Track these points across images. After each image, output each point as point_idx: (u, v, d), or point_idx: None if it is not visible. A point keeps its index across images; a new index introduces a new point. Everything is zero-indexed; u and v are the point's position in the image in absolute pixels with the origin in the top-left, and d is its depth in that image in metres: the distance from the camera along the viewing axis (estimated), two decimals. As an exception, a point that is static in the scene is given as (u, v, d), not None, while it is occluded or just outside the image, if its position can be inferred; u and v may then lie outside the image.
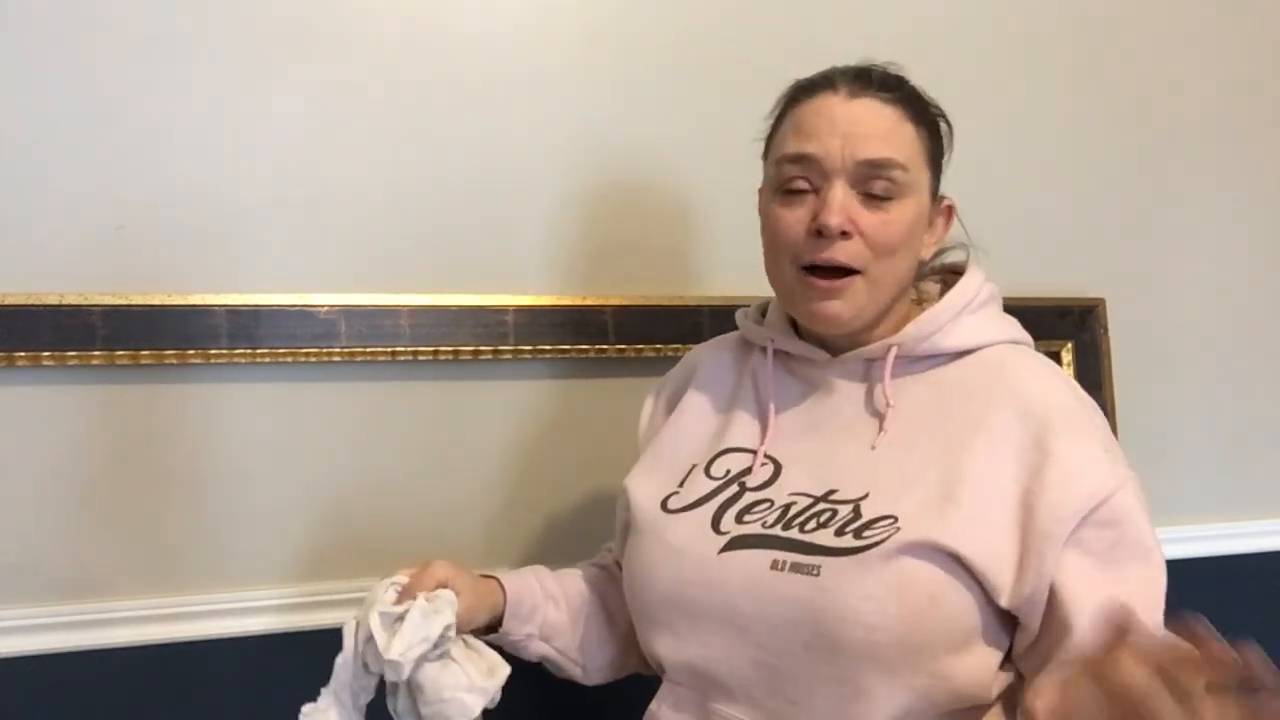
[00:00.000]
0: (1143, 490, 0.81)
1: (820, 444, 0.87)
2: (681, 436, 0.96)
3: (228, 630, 1.20)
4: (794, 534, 0.82)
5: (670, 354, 1.33)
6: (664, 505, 0.91)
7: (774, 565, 0.81)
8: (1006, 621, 0.80)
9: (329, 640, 1.23)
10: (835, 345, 0.90)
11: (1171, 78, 1.62)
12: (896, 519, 0.78)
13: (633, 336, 1.32)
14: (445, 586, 0.87)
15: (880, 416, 0.85)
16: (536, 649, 0.97)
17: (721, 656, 0.83)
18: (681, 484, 0.91)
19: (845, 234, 0.82)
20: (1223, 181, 1.65)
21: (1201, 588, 1.64)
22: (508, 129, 1.30)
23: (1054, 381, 0.85)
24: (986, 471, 0.79)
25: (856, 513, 0.80)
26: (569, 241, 1.32)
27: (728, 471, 0.90)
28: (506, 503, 1.32)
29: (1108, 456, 0.80)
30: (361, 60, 1.24)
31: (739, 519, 0.85)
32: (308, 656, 1.24)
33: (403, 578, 0.88)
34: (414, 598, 0.83)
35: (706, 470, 0.91)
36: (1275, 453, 1.69)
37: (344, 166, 1.24)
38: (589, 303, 1.31)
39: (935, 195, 0.90)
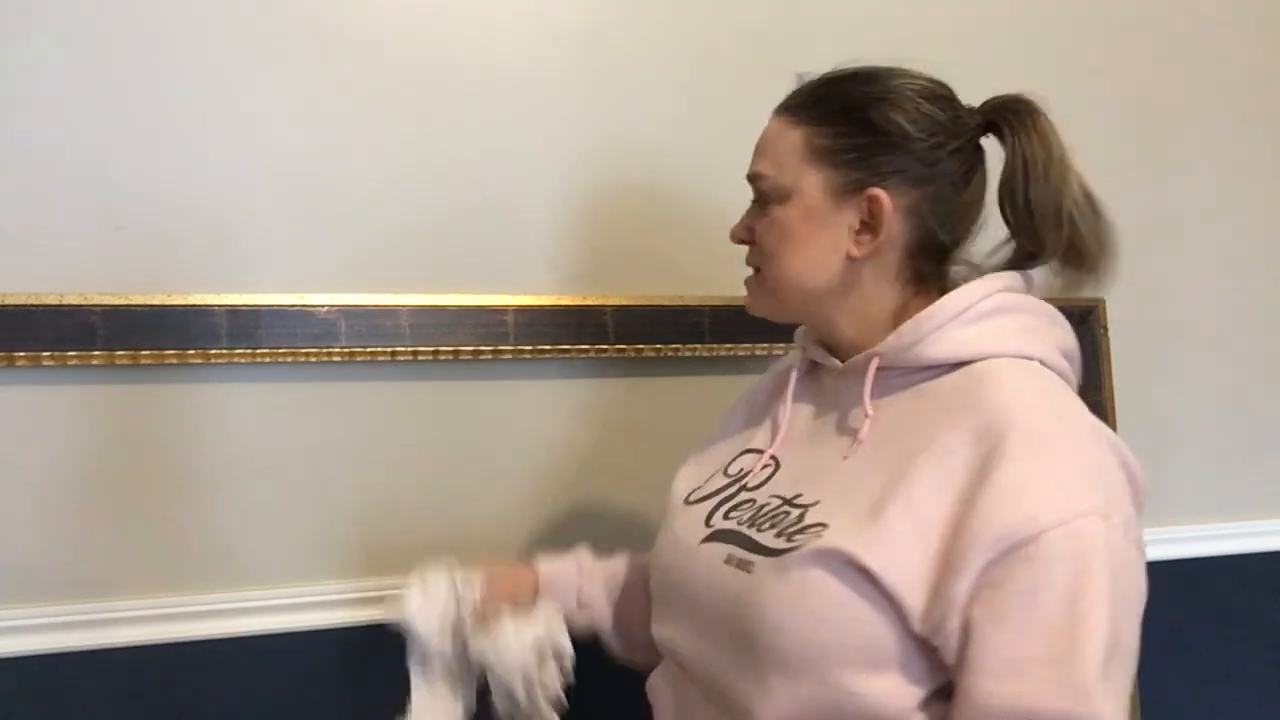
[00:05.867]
0: (1126, 533, 0.72)
1: (810, 450, 0.89)
2: (722, 439, 1.02)
3: (228, 630, 1.20)
4: (752, 532, 0.84)
5: (670, 354, 1.33)
6: (687, 499, 0.96)
7: (726, 560, 0.84)
8: (937, 654, 0.74)
9: (329, 640, 1.24)
10: (843, 353, 0.91)
11: (1171, 77, 1.62)
12: (826, 526, 0.78)
13: (633, 336, 1.32)
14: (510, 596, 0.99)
15: (859, 426, 0.85)
16: (579, 621, 1.06)
17: (681, 637, 0.90)
18: (707, 480, 0.97)
19: (745, 241, 0.93)
20: (1223, 182, 1.65)
21: (1201, 588, 1.65)
22: (508, 129, 1.30)
23: (1030, 400, 0.77)
24: (925, 489, 0.75)
25: (801, 518, 0.81)
26: (569, 241, 1.32)
27: (740, 470, 0.94)
28: (507, 502, 1.32)
29: (1065, 488, 0.72)
30: (362, 61, 1.24)
31: (725, 515, 0.89)
32: (308, 656, 1.24)
33: (470, 592, 0.99)
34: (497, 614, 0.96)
35: (725, 469, 0.96)
36: (1275, 453, 1.69)
37: (344, 166, 1.24)
38: (589, 303, 1.31)
39: (851, 189, 0.86)
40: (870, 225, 0.86)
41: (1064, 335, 0.87)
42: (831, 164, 0.86)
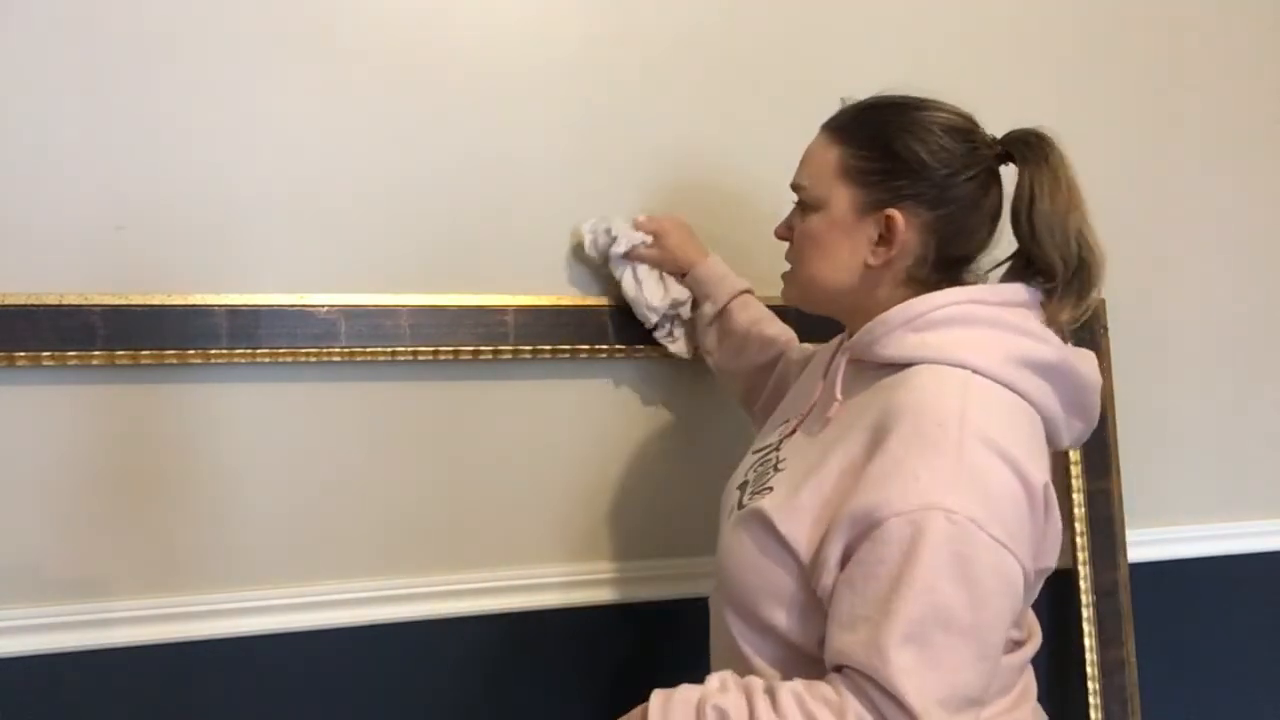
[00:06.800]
0: (979, 534, 0.81)
1: (811, 424, 1.01)
2: (791, 395, 1.14)
3: (228, 630, 1.20)
4: (751, 487, 0.99)
5: (669, 353, 1.33)
6: (754, 449, 1.09)
7: (730, 509, 1.01)
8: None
9: (329, 640, 1.24)
10: None
11: (1172, 77, 1.62)
12: (771, 491, 0.94)
13: (632, 337, 1.32)
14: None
15: (830, 410, 0.97)
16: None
17: (716, 566, 1.03)
18: (770, 435, 1.08)
19: (785, 238, 1.04)
20: (1223, 181, 1.65)
21: (1202, 588, 1.65)
22: (508, 130, 1.29)
23: (925, 403, 0.87)
24: (833, 471, 0.90)
25: (768, 482, 0.97)
26: (569, 241, 1.32)
27: (783, 434, 1.05)
28: (507, 502, 1.32)
29: (919, 483, 0.83)
30: (362, 60, 1.24)
31: (755, 469, 1.03)
32: (308, 656, 1.24)
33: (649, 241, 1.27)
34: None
35: (778, 428, 1.07)
36: (1275, 453, 1.69)
37: (344, 167, 1.24)
38: (589, 303, 1.31)
39: (872, 207, 0.96)
40: (886, 239, 0.96)
41: (1035, 350, 0.92)
42: (859, 183, 0.97)
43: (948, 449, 0.84)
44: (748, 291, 1.27)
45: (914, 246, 0.96)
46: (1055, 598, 1.55)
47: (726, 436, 1.35)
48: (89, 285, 1.14)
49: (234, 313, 1.17)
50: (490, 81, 1.29)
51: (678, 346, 1.30)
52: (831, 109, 1.03)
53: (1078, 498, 1.54)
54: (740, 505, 0.98)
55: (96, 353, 1.13)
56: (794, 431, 1.03)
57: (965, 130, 0.97)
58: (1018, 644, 0.97)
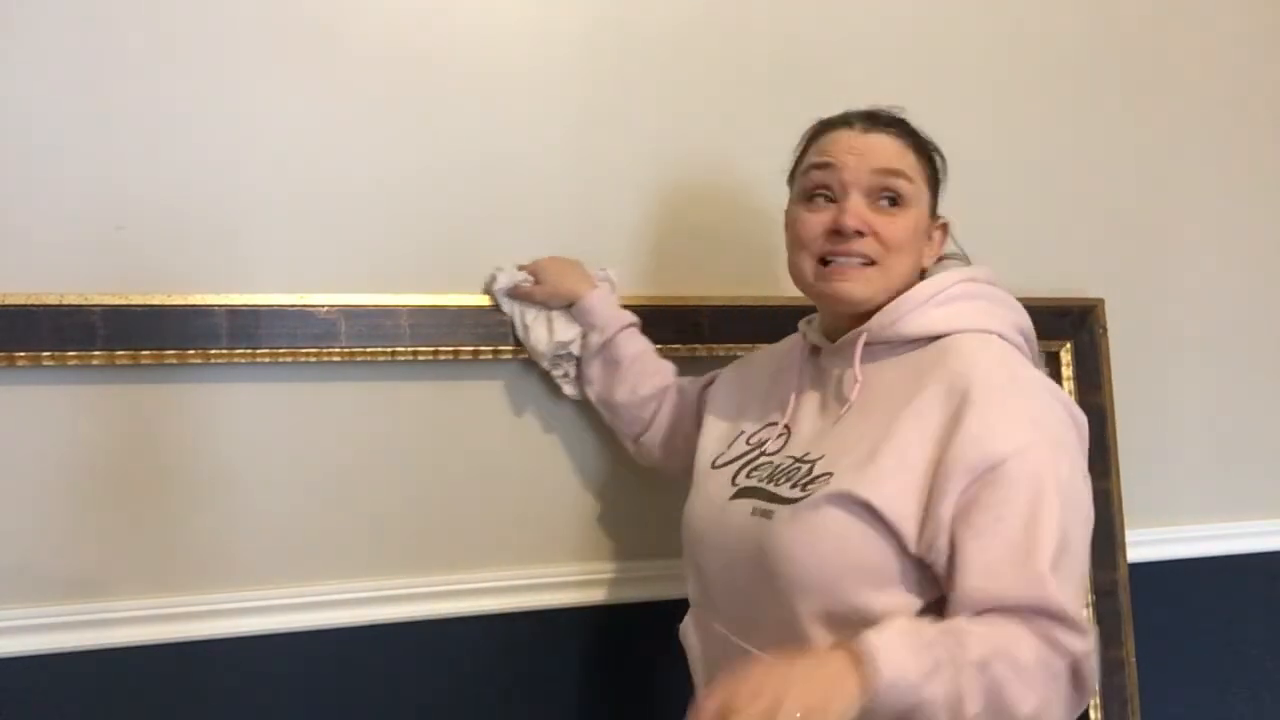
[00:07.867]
0: (1072, 464, 0.91)
1: (815, 417, 1.06)
2: (738, 409, 1.16)
3: (228, 630, 1.20)
4: (770, 487, 1.00)
5: (669, 353, 1.33)
6: (713, 463, 1.11)
7: (753, 512, 1.00)
8: (930, 570, 0.91)
9: (329, 640, 1.24)
10: (835, 334, 1.07)
11: (1171, 77, 1.62)
12: (832, 475, 0.95)
13: (632, 336, 1.32)
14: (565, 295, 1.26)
15: (851, 391, 1.02)
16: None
17: (716, 581, 1.06)
18: (729, 446, 1.11)
19: (860, 234, 1.01)
20: (1222, 181, 1.65)
21: (1202, 588, 1.66)
22: (508, 129, 1.30)
23: (986, 363, 0.96)
24: (910, 438, 0.93)
25: (810, 471, 0.98)
26: (569, 242, 1.32)
27: (761, 440, 1.08)
28: (506, 502, 1.32)
29: (1018, 426, 0.90)
30: (361, 61, 1.24)
31: (748, 475, 1.05)
32: (308, 656, 1.24)
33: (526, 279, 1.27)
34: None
35: (748, 439, 1.10)
36: (1275, 453, 1.69)
37: (344, 166, 1.24)
38: (589, 303, 1.31)
39: (933, 214, 1.07)
40: (936, 244, 1.07)
41: (1019, 317, 1.05)
42: (931, 190, 1.07)
43: (1025, 396, 0.94)
44: (634, 325, 1.27)
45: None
46: (1055, 598, 1.55)
47: (726, 436, 1.35)
48: (89, 285, 1.14)
49: (234, 313, 1.17)
50: (490, 81, 1.29)
51: (570, 388, 1.29)
52: (830, 107, 1.04)
53: (1078, 498, 1.54)
54: (783, 500, 0.97)
55: (96, 353, 1.13)
56: (784, 432, 1.05)
57: None
58: None
